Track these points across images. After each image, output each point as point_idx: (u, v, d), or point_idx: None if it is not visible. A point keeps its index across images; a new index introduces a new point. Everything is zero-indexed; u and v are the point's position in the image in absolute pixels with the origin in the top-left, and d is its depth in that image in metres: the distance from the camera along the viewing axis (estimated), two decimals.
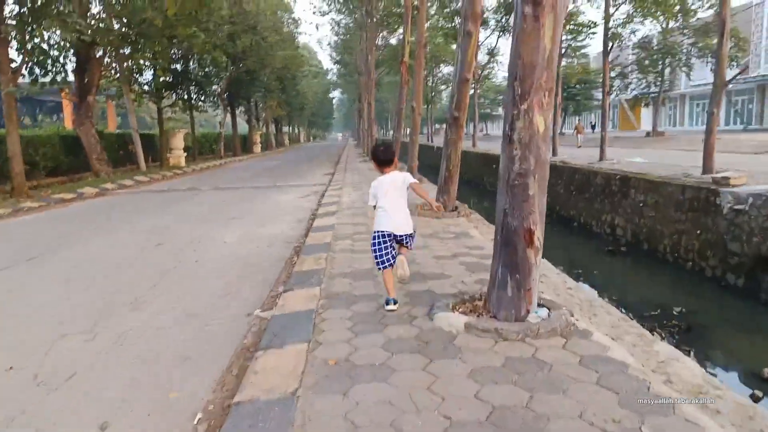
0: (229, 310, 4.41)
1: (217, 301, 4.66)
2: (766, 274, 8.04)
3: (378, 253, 3.88)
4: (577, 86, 39.90)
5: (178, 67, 24.65)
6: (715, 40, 28.02)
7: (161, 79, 22.73)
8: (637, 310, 7.40)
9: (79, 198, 13.16)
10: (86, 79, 17.35)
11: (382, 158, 4.06)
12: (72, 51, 16.11)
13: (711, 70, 30.68)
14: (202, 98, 28.04)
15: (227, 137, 35.02)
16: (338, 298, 4.19)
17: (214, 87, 29.23)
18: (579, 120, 36.59)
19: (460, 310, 3.65)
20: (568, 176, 14.80)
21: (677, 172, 11.50)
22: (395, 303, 3.86)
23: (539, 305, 3.48)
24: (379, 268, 3.94)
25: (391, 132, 51.07)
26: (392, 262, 3.89)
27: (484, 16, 21.75)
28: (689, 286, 8.82)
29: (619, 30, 21.00)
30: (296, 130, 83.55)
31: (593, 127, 43.45)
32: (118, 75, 20.20)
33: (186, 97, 25.95)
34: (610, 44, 16.27)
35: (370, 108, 26.39)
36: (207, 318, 4.20)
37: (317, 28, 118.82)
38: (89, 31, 14.40)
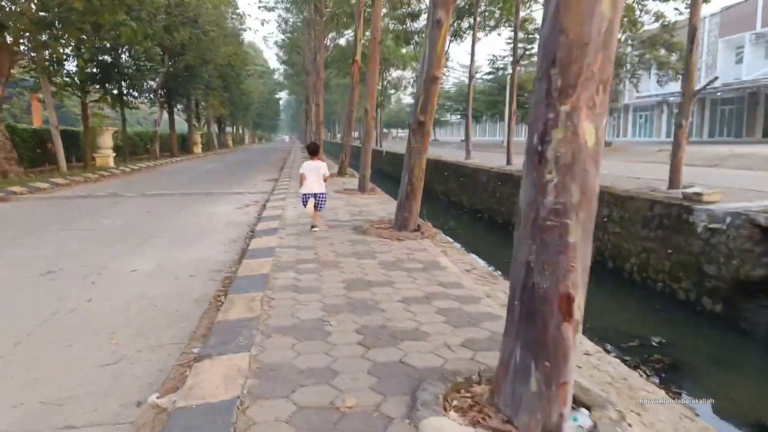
0: (114, 392, 3.02)
1: (101, 375, 3.26)
2: (746, 301, 7.39)
3: (303, 202, 7.23)
4: (526, 94, 39.97)
5: (107, 58, 22.36)
6: (662, 52, 28.67)
7: (86, 71, 20.52)
8: (614, 341, 6.61)
9: None
10: None
11: (312, 150, 7.59)
12: None
13: (658, 82, 31.53)
14: (135, 94, 25.75)
15: (164, 136, 32.67)
16: (275, 376, 2.91)
17: (150, 82, 27.01)
18: None
19: (455, 403, 2.48)
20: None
21: (641, 186, 10.86)
22: (314, 228, 7.28)
23: (574, 401, 2.37)
24: (303, 204, 7.25)
25: (339, 135, 49.58)
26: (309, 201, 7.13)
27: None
28: (662, 312, 8.07)
29: None
30: (241, 131, 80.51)
31: None
32: (35, 65, 17.95)
33: (116, 92, 23.65)
34: None
35: (318, 110, 24.95)
36: (76, 413, 2.82)
37: (263, 24, 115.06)
38: None
